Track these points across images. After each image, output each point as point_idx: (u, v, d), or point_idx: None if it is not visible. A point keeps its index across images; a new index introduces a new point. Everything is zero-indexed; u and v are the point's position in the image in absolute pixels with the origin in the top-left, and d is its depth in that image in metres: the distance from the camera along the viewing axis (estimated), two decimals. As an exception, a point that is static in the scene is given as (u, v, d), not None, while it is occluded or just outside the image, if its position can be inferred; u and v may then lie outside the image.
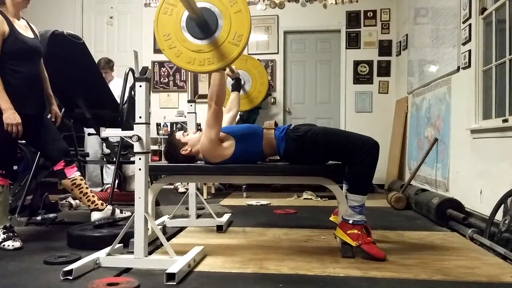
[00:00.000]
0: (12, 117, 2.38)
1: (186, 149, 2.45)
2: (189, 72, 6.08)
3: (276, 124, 2.49)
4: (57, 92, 2.99)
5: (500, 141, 2.78)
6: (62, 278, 1.86)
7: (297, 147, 2.32)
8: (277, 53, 6.05)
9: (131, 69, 3.56)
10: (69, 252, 2.28)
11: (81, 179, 2.78)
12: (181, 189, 5.25)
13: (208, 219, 3.07)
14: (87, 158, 4.37)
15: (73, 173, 2.74)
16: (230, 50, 1.99)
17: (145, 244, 2.02)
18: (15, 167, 3.35)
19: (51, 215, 3.09)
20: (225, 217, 3.15)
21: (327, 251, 2.37)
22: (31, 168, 3.33)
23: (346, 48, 5.94)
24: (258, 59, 3.83)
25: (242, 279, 1.90)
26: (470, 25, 3.25)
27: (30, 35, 2.57)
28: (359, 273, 1.96)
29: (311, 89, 6.09)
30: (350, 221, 2.22)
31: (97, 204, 2.85)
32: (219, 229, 2.89)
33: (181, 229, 2.95)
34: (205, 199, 4.00)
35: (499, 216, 2.54)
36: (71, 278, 1.86)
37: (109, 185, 4.35)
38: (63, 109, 3.23)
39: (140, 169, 2.01)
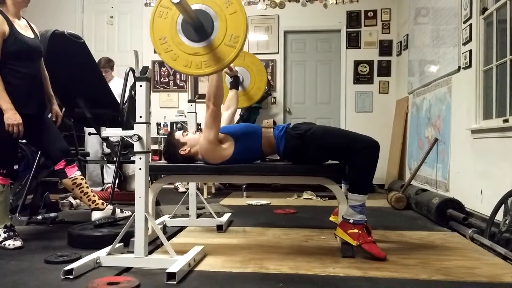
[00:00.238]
0: (13, 118, 2.38)
1: (185, 149, 2.43)
2: (189, 72, 6.07)
3: (274, 122, 2.47)
4: (58, 92, 2.98)
5: (501, 141, 2.78)
6: (62, 277, 1.87)
7: (297, 145, 2.31)
8: (277, 53, 6.04)
9: (132, 69, 3.57)
10: (70, 251, 2.28)
11: (81, 179, 2.78)
12: (181, 189, 5.26)
13: (208, 219, 3.07)
14: (88, 158, 4.38)
15: (73, 173, 2.74)
16: (227, 52, 1.97)
17: (145, 244, 2.02)
18: (15, 167, 3.36)
19: (52, 215, 3.10)
20: (225, 217, 3.15)
21: (327, 251, 2.37)
22: (32, 167, 3.33)
23: (347, 48, 5.93)
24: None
25: (242, 279, 1.90)
26: (470, 25, 3.25)
27: (30, 34, 2.56)
28: (359, 273, 1.96)
29: (311, 89, 6.09)
30: (351, 221, 2.22)
31: (97, 203, 2.85)
32: (219, 228, 2.89)
33: (181, 228, 2.96)
34: (205, 198, 4.00)
35: (499, 216, 2.54)
36: (71, 277, 1.86)
37: (110, 185, 4.36)
38: (63, 109, 3.23)
39: (140, 169, 2.01)
